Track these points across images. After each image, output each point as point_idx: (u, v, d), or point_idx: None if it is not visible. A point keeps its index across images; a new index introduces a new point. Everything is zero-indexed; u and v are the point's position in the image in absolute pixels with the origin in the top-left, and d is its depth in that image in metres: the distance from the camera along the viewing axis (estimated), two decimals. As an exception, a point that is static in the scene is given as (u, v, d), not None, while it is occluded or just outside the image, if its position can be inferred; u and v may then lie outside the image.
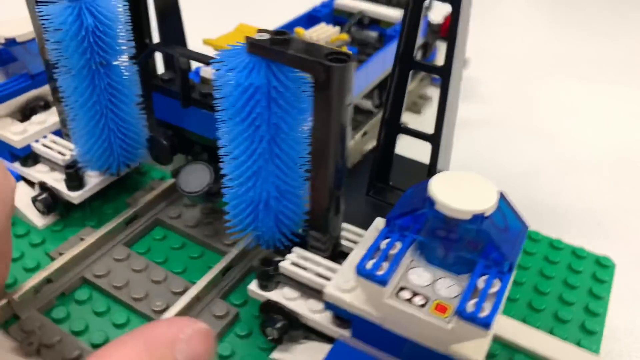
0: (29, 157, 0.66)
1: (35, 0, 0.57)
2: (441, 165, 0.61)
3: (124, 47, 0.57)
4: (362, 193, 0.64)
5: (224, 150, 0.50)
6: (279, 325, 0.51)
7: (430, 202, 0.44)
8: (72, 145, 0.64)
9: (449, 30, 0.55)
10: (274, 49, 0.42)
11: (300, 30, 0.75)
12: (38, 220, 0.64)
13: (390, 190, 0.64)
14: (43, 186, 0.64)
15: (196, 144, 0.64)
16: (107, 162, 0.62)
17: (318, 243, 0.52)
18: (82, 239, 0.61)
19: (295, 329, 0.51)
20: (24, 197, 0.64)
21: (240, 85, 0.44)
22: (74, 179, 0.63)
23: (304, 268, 0.51)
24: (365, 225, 0.54)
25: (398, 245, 0.46)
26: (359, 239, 0.53)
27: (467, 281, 0.45)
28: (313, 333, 0.51)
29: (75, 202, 0.63)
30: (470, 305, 0.42)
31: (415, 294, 0.45)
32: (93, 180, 0.64)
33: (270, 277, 0.52)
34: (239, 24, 0.70)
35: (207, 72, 0.64)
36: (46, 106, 0.71)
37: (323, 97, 0.43)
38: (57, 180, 0.64)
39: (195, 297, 0.55)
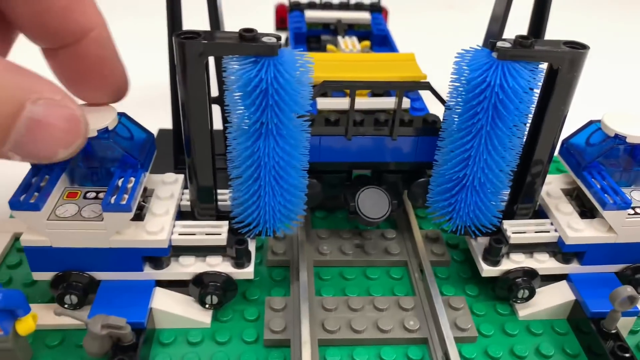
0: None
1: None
2: None
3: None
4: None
5: (443, 135, 0.56)
6: (526, 284, 0.59)
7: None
8: (211, 224, 0.57)
9: None
10: (522, 50, 0.50)
11: (332, 47, 0.79)
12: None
13: None
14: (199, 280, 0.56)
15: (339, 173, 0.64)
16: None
17: (525, 211, 0.61)
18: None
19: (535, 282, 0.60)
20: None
21: (481, 82, 0.50)
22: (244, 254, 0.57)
23: (524, 232, 0.60)
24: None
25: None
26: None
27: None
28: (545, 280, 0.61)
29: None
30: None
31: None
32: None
33: (498, 252, 0.59)
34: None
35: (324, 103, 0.64)
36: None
37: (566, 82, 0.52)
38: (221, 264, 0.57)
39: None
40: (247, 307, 0.58)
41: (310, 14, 0.93)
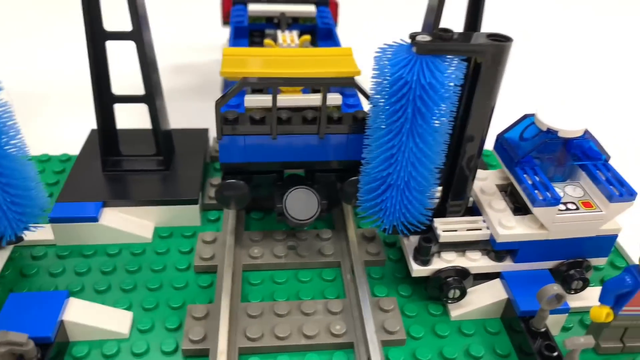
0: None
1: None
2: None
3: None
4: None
5: (368, 133, 0.54)
6: (457, 284, 0.57)
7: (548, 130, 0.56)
8: None
9: None
10: (442, 44, 0.48)
11: (270, 42, 0.76)
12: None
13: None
14: None
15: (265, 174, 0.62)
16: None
17: (456, 208, 0.60)
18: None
19: (467, 281, 0.59)
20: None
21: (398, 79, 0.48)
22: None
23: (455, 230, 0.58)
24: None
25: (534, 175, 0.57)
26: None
27: (576, 184, 0.60)
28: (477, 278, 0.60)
29: None
30: (613, 189, 0.56)
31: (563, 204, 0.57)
32: None
33: (428, 252, 0.58)
34: (222, 49, 0.69)
35: (251, 101, 0.62)
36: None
37: (490, 76, 0.50)
38: None
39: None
40: (170, 315, 0.56)
41: (253, 8, 0.90)
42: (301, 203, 0.60)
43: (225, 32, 1.14)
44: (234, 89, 0.55)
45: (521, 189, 0.57)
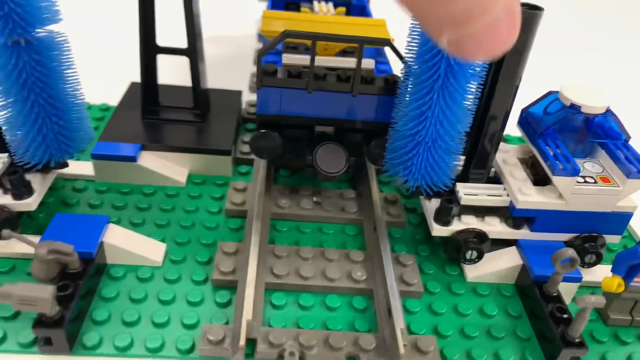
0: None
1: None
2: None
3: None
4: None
5: (400, 92, 0.57)
6: (475, 245, 0.60)
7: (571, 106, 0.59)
8: None
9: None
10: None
11: (306, 9, 0.80)
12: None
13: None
14: None
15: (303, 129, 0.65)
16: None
17: (478, 176, 0.62)
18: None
19: (484, 245, 0.61)
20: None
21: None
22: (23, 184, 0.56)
23: (476, 195, 0.61)
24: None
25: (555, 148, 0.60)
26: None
27: (595, 161, 0.62)
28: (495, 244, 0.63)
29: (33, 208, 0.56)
30: (631, 166, 0.58)
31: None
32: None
33: (449, 212, 0.60)
34: (262, 12, 0.72)
35: (289, 58, 0.65)
36: None
37: (520, 44, 0.53)
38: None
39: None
40: (201, 250, 0.59)
41: (291, -19, 0.94)
42: (330, 157, 0.63)
43: (258, 10, 1.19)
44: (276, 39, 0.58)
45: (542, 159, 0.60)
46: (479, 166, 0.62)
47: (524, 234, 0.62)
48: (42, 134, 0.55)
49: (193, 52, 0.69)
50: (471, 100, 0.56)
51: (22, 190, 0.55)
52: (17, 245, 0.53)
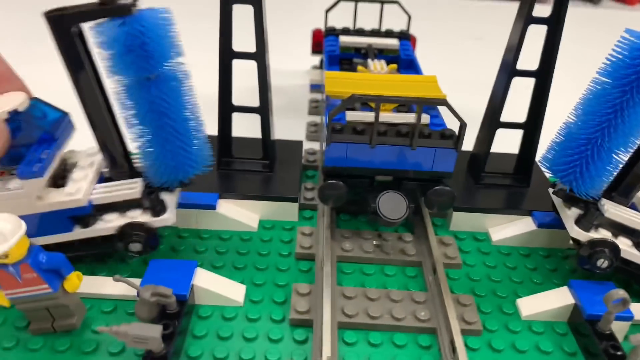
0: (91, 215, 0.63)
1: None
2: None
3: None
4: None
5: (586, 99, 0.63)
6: (607, 255, 0.63)
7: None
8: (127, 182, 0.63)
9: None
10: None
11: (362, 68, 0.87)
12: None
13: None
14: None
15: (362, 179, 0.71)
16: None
17: (620, 200, 0.67)
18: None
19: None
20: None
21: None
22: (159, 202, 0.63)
23: (621, 213, 0.65)
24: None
25: None
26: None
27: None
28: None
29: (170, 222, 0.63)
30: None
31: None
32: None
33: (592, 218, 0.65)
34: (325, 73, 0.79)
35: (352, 115, 0.72)
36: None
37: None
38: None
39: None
40: (276, 291, 0.65)
41: (344, 39, 1.02)
42: (392, 204, 0.68)
43: (309, 61, 1.27)
44: (345, 102, 0.65)
45: None
46: (623, 194, 0.67)
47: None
48: (171, 157, 0.61)
49: (264, 110, 0.77)
50: None
51: (159, 207, 0.62)
52: (120, 287, 0.60)
